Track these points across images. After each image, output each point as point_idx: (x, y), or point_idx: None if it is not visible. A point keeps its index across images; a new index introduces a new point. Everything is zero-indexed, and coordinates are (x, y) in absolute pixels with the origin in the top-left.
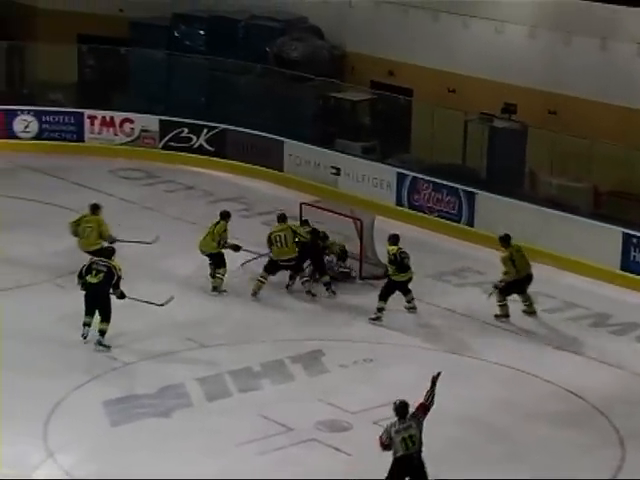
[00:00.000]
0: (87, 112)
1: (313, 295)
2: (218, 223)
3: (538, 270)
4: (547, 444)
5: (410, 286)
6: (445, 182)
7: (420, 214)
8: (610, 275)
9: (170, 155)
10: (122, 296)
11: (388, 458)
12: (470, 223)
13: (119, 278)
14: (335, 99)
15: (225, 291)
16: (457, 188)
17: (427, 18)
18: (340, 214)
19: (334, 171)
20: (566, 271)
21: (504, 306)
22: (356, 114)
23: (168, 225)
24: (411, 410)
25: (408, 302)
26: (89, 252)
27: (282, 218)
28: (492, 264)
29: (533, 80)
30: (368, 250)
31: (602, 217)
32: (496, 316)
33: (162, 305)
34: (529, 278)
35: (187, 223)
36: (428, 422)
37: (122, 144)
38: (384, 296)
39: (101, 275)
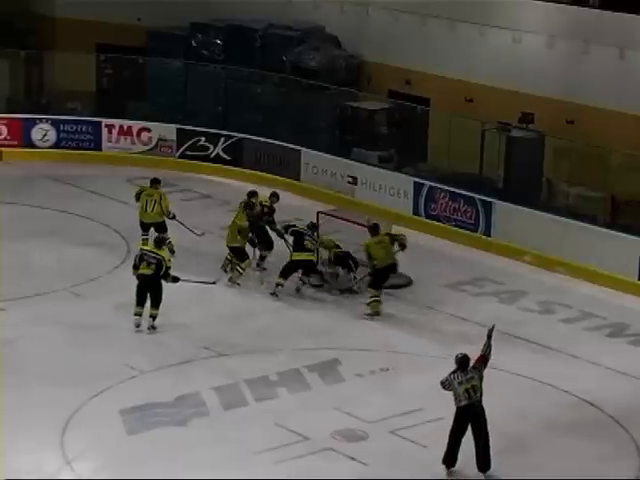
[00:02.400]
0: (105, 121)
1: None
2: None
3: (555, 280)
4: (564, 454)
5: (422, 294)
6: (462, 191)
7: (437, 223)
8: (628, 285)
9: (187, 164)
10: (176, 280)
11: (403, 468)
12: (487, 233)
13: (167, 269)
14: (352, 108)
15: (239, 284)
16: (474, 197)
17: (444, 27)
18: (357, 223)
19: (351, 180)
20: (583, 281)
21: (375, 302)
22: (373, 123)
23: (185, 234)
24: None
25: (303, 282)
26: (150, 224)
27: (248, 206)
28: (510, 274)
29: (551, 89)
30: None
31: (619, 227)
32: (367, 315)
33: (214, 283)
34: (391, 268)
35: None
36: (447, 432)
37: (139, 153)
38: (284, 273)
39: (153, 266)
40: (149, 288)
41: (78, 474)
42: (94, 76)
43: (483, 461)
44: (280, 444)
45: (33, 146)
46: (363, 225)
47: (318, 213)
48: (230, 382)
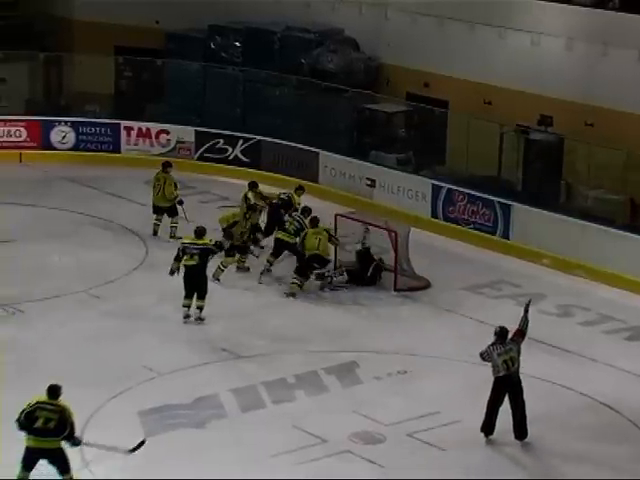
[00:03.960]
0: (123, 123)
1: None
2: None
3: (573, 282)
4: (581, 457)
5: (439, 296)
6: (480, 194)
7: (455, 226)
8: None
9: (205, 166)
10: (229, 236)
11: (420, 471)
12: (506, 235)
13: (214, 247)
14: (370, 111)
15: (219, 280)
16: (492, 200)
17: (463, 30)
18: (375, 226)
19: (369, 183)
20: (602, 283)
21: (294, 285)
22: (391, 126)
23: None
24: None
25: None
26: (159, 207)
27: (252, 208)
28: (528, 276)
29: (569, 92)
30: (403, 262)
31: (638, 229)
32: (285, 293)
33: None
34: (315, 258)
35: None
36: (465, 435)
37: (158, 155)
38: (273, 253)
39: (196, 257)
40: (194, 279)
41: (96, 475)
42: (113, 78)
43: (520, 430)
44: (297, 446)
45: (52, 148)
46: (381, 227)
47: (336, 215)
48: (248, 384)
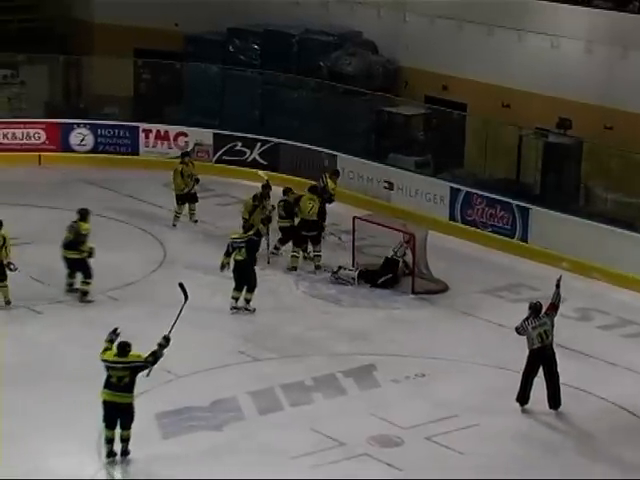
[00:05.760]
0: (142, 126)
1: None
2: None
3: (592, 286)
4: (601, 461)
5: (458, 299)
6: (499, 197)
7: (473, 229)
8: None
9: (223, 169)
10: (268, 220)
11: (438, 474)
12: (524, 238)
13: (259, 239)
14: (389, 113)
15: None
16: (511, 203)
17: (482, 33)
18: (393, 228)
19: (387, 185)
20: (621, 287)
21: (293, 258)
22: (410, 128)
23: (220, 239)
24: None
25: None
26: (177, 195)
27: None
28: (546, 279)
29: (589, 95)
30: (421, 265)
31: None
32: (287, 269)
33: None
34: (304, 226)
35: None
36: (483, 439)
37: (176, 157)
38: (280, 240)
39: (243, 251)
40: (243, 272)
41: (114, 476)
42: (132, 81)
43: (554, 400)
44: (315, 449)
45: (71, 150)
46: (399, 230)
47: (354, 218)
48: (265, 387)
